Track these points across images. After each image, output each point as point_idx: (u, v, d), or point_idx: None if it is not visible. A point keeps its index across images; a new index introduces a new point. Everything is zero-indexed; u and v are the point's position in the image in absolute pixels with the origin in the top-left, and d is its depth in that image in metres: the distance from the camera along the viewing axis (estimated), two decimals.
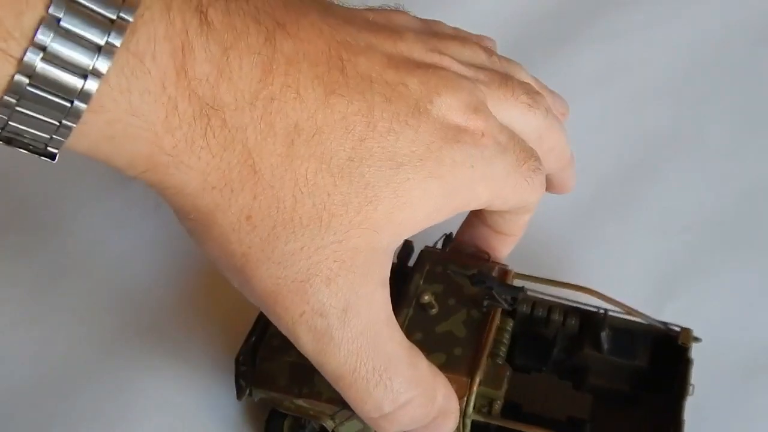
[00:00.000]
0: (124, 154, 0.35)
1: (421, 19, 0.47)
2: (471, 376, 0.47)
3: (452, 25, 0.49)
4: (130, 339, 0.61)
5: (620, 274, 0.61)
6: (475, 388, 0.47)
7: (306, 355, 0.40)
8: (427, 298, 0.49)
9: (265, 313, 0.40)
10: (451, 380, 0.47)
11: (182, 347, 0.60)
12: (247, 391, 0.52)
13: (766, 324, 0.61)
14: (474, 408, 0.47)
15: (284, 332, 0.40)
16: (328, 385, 0.44)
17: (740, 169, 0.69)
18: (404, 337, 0.42)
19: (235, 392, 0.53)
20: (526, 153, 0.44)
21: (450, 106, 0.40)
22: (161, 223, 0.66)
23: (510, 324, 0.51)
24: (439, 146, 0.39)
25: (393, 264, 0.53)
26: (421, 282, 0.51)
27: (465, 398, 0.47)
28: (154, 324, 0.61)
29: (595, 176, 0.68)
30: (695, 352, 0.52)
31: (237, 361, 0.52)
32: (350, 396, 0.41)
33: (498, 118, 0.42)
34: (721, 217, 0.66)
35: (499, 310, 0.50)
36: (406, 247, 0.55)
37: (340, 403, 0.45)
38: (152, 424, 0.57)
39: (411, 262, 0.55)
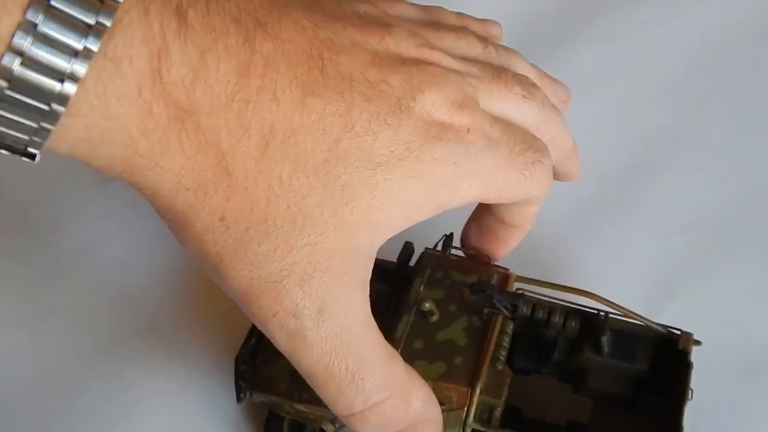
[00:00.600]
0: (101, 156, 0.35)
1: (419, 8, 0.46)
2: (472, 385, 0.47)
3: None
4: (129, 339, 0.61)
5: (620, 273, 0.61)
6: (476, 399, 0.47)
7: (281, 351, 0.40)
8: (428, 305, 0.49)
9: (242, 309, 0.40)
10: (452, 390, 0.47)
11: (182, 347, 0.60)
12: (247, 394, 0.52)
13: (766, 324, 0.61)
14: (474, 417, 0.47)
15: (259, 328, 0.40)
16: None
17: (740, 169, 0.69)
18: (382, 338, 0.42)
19: (234, 392, 0.53)
20: (523, 145, 0.43)
21: (434, 103, 0.39)
22: (160, 223, 0.66)
23: (510, 326, 0.51)
24: (419, 145, 0.38)
25: (392, 266, 0.54)
26: (422, 288, 0.51)
27: (465, 408, 0.47)
28: (154, 324, 0.61)
29: (595, 176, 0.68)
30: (695, 351, 0.52)
31: (237, 362, 0.52)
32: (322, 393, 0.41)
33: (491, 111, 0.42)
34: (721, 217, 0.66)
35: (500, 318, 0.50)
36: (407, 249, 0.55)
37: None
38: (152, 424, 0.57)
39: (411, 263, 0.55)
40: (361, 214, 0.38)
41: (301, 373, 0.41)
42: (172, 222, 0.38)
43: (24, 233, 0.66)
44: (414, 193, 0.39)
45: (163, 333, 0.61)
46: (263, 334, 0.52)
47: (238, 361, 0.52)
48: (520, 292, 0.52)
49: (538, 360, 0.53)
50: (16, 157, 0.35)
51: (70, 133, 0.34)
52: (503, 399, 0.48)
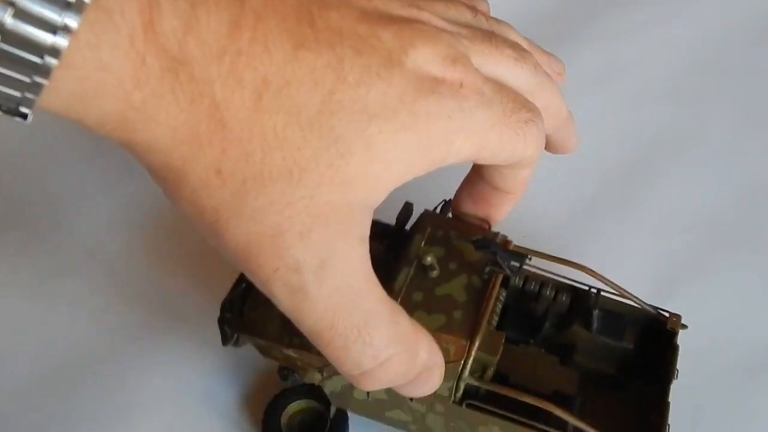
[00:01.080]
0: (94, 111, 0.35)
1: None
2: (471, 339, 0.47)
3: None
4: (129, 338, 0.61)
5: (620, 273, 0.61)
6: (473, 352, 0.47)
7: (283, 312, 0.40)
8: (429, 259, 0.49)
9: (242, 270, 0.39)
10: (450, 342, 0.47)
11: (183, 347, 0.60)
12: (234, 338, 0.52)
13: (766, 323, 0.61)
14: (469, 372, 0.48)
15: (260, 289, 0.39)
16: None
17: (740, 169, 0.69)
18: (385, 294, 0.41)
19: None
20: (516, 104, 0.42)
21: (426, 59, 0.39)
22: (161, 222, 0.66)
23: (503, 294, 0.51)
24: (413, 98, 0.38)
25: (390, 228, 0.54)
26: (423, 243, 0.51)
27: (462, 361, 0.47)
28: (154, 324, 0.61)
29: (596, 175, 0.68)
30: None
31: (223, 307, 0.52)
32: (329, 353, 0.41)
33: (484, 72, 0.42)
34: (721, 217, 0.66)
35: (500, 277, 0.50)
36: (406, 209, 0.55)
37: None
38: (152, 424, 0.57)
39: (409, 226, 0.55)
40: (357, 167, 0.37)
41: (306, 333, 0.40)
42: (167, 181, 0.38)
43: (24, 232, 0.66)
44: (408, 146, 0.38)
45: (163, 332, 0.61)
46: (252, 284, 0.52)
47: (224, 306, 0.52)
48: (523, 251, 0.52)
49: (527, 331, 0.54)
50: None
51: (62, 88, 0.34)
52: (497, 358, 0.48)
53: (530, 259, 0.51)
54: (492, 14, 0.51)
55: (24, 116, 0.34)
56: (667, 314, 0.53)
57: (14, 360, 0.60)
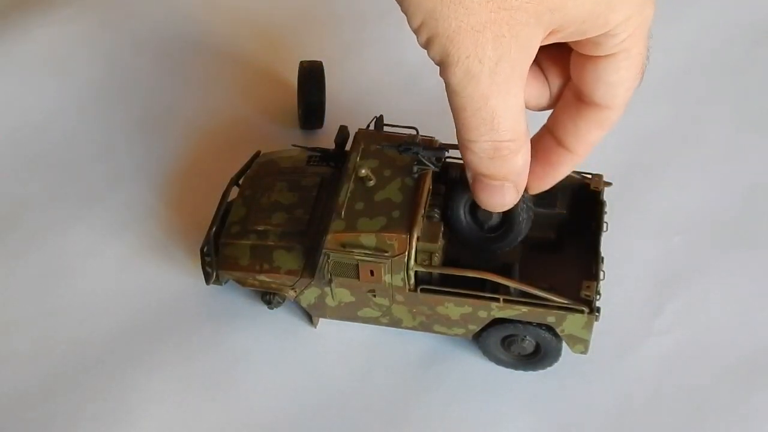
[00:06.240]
0: None
1: None
2: (410, 231, 0.53)
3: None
4: (130, 339, 0.61)
5: (620, 274, 0.61)
6: (414, 243, 0.53)
7: (447, 82, 0.47)
8: (364, 171, 0.55)
9: (439, 48, 0.46)
10: (393, 238, 0.53)
11: (183, 347, 0.60)
12: (214, 276, 0.58)
13: (766, 324, 0.61)
14: (416, 261, 0.53)
15: (437, 62, 0.46)
16: (286, 260, 0.53)
17: (740, 169, 0.69)
18: (523, 101, 0.49)
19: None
20: None
21: None
22: (160, 224, 0.66)
23: (442, 189, 0.57)
24: None
25: (331, 150, 0.60)
26: (358, 159, 0.57)
27: (406, 252, 0.53)
28: (154, 324, 0.61)
29: None
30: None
31: (202, 252, 0.58)
32: (465, 120, 0.48)
33: None
34: (720, 217, 0.66)
35: (430, 174, 0.56)
36: (341, 132, 0.61)
37: (297, 274, 0.54)
38: (152, 424, 0.57)
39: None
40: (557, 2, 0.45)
41: (456, 106, 0.47)
42: None
43: (25, 234, 0.66)
44: None
45: (164, 333, 0.61)
46: (222, 224, 0.58)
47: (203, 252, 0.58)
48: (443, 145, 0.57)
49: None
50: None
51: None
52: (439, 245, 0.54)
53: (447, 151, 0.56)
54: None
55: None
56: (590, 176, 0.58)
57: (15, 361, 0.60)
